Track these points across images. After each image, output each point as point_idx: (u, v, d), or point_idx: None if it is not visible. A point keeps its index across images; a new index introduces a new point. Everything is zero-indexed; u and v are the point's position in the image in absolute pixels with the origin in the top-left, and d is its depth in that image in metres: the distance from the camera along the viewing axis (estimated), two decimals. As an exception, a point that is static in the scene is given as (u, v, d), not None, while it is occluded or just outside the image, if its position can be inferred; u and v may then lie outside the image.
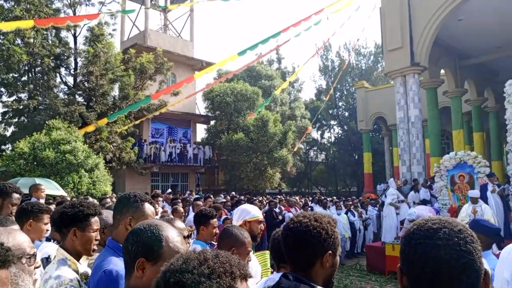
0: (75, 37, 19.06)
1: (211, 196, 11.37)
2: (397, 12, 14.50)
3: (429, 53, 14.29)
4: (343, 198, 14.82)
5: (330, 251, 1.47)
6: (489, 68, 19.83)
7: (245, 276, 0.93)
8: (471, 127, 20.67)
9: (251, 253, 2.60)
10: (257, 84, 26.97)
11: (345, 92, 34.65)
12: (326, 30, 66.72)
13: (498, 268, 2.30)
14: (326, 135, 36.91)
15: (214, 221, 3.18)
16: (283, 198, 13.43)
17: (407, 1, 14.40)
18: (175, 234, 1.44)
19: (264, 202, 12.27)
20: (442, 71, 18.04)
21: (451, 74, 18.16)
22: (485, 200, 8.88)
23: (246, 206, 3.10)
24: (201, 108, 28.10)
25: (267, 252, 3.09)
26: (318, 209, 10.83)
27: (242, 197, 12.61)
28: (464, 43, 17.15)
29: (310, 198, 15.66)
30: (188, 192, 17.90)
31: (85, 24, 18.38)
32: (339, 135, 35.47)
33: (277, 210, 10.52)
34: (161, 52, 19.97)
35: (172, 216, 5.18)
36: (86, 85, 18.35)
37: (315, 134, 35.66)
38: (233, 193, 16.27)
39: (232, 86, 24.57)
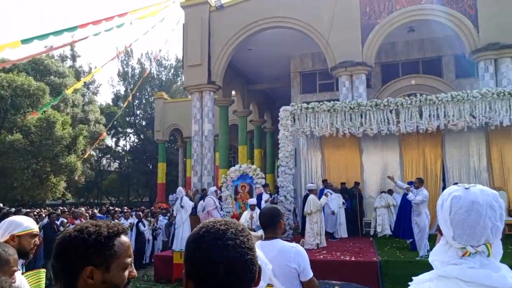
0: None
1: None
2: (199, 32, 15.44)
3: (224, 74, 15.74)
4: (134, 208, 14.49)
5: (91, 266, 1.19)
6: (269, 95, 23.29)
7: None
8: (253, 144, 23.69)
9: (17, 273, 2.23)
10: (44, 80, 23.64)
11: (144, 101, 34.28)
12: (129, 35, 64.84)
13: None
14: (122, 143, 35.54)
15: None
16: (66, 210, 12.11)
17: (208, 24, 15.53)
18: None
19: (43, 215, 10.77)
20: (234, 92, 20.14)
21: (240, 96, 20.45)
22: (260, 207, 10.28)
23: (15, 218, 2.65)
24: (-38, 99, 22.60)
25: (43, 271, 2.71)
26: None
27: (13, 209, 10.70)
28: (252, 70, 19.67)
29: (99, 209, 14.65)
30: None
31: None
32: (135, 144, 34.72)
33: (58, 223, 9.40)
34: None
35: None
36: None
37: (110, 141, 33.83)
38: (0, 204, 13.62)
39: (10, 77, 20.76)
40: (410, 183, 9.36)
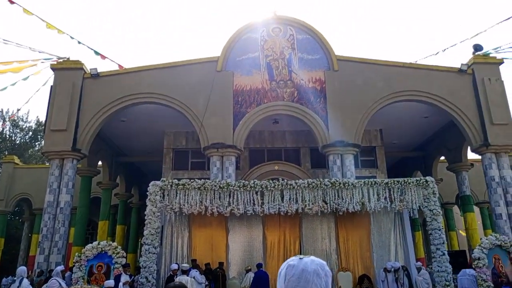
0: None
1: None
2: (68, 96, 14.62)
3: (92, 143, 14.87)
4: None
5: None
6: (139, 169, 22.59)
7: None
8: (116, 220, 22.02)
9: None
10: None
11: (-13, 164, 29.53)
12: (-20, 88, 57.33)
13: None
14: None
15: None
16: None
17: (80, 89, 14.88)
18: None
19: None
20: (101, 162, 18.98)
21: (107, 167, 19.34)
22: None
23: None
24: None
25: None
26: None
27: None
28: (123, 142, 19.09)
29: None
30: None
31: None
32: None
33: None
34: None
35: None
36: None
37: None
38: None
39: None
40: (259, 264, 10.00)
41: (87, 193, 17.01)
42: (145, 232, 11.06)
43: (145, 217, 11.19)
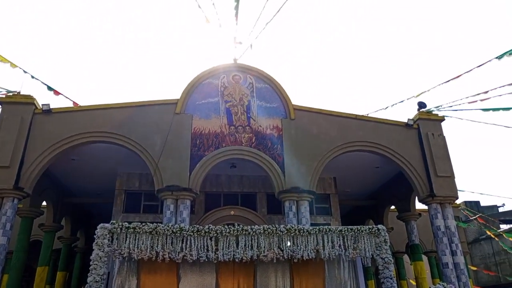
0: None
1: None
2: (15, 131, 13.88)
3: (36, 181, 14.01)
4: None
5: None
6: (87, 210, 21.43)
7: None
8: (57, 266, 20.40)
9: None
10: None
11: None
12: None
13: None
14: None
15: None
16: None
17: (29, 125, 14.21)
18: None
19: None
20: (45, 202, 17.82)
21: (52, 207, 18.18)
22: None
23: None
24: None
25: None
26: None
27: None
28: (72, 181, 18.18)
29: None
30: None
31: None
32: None
33: None
34: None
35: None
36: None
37: None
38: None
39: None
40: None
41: (26, 236, 15.75)
42: (89, 279, 10.29)
43: (91, 263, 10.46)
